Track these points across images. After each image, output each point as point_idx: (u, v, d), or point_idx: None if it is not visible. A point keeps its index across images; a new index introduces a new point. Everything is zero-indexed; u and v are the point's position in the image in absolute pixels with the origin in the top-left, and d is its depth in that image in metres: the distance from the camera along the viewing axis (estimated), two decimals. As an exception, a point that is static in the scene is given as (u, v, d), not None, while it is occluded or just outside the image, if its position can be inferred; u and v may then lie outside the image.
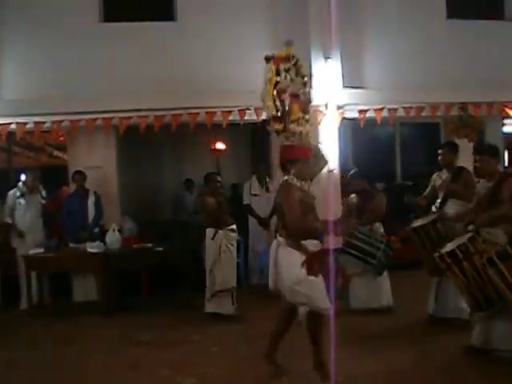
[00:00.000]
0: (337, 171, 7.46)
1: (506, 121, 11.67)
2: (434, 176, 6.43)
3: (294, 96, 5.01)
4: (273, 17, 7.82)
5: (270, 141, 8.91)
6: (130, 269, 7.45)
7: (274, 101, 4.94)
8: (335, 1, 7.27)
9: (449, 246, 4.84)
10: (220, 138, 9.48)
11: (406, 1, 8.36)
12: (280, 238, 4.45)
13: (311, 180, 4.60)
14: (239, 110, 7.23)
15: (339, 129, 7.52)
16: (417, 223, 5.79)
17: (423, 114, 8.10)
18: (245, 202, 8.33)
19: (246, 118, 7.31)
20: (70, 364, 5.32)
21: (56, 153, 11.27)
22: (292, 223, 4.32)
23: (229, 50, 7.71)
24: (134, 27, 7.69)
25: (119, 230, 7.66)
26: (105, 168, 8.60)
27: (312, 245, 4.36)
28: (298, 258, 4.30)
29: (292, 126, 4.75)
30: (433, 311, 6.04)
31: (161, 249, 7.34)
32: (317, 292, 4.28)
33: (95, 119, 7.29)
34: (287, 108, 4.84)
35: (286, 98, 4.95)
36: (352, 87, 7.66)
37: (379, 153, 11.55)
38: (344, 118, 7.61)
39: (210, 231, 6.71)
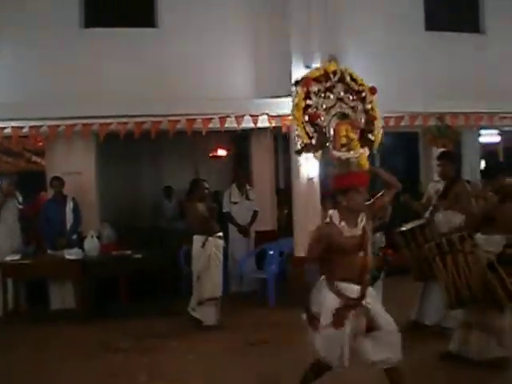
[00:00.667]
0: (316, 180, 7.49)
1: (482, 131, 11.89)
2: (431, 185, 6.54)
3: (343, 116, 4.34)
4: (254, 25, 7.86)
5: (251, 148, 8.97)
6: (109, 276, 7.40)
7: (305, 128, 4.23)
8: (315, 9, 7.40)
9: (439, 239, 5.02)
10: (200, 145, 9.47)
11: (386, 12, 8.45)
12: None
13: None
14: (219, 118, 7.24)
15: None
16: (405, 227, 5.88)
17: (402, 123, 8.19)
18: (224, 210, 8.34)
19: (226, 125, 7.32)
20: (46, 371, 5.26)
21: (34, 158, 11.16)
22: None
23: (210, 58, 7.71)
24: (115, 33, 7.67)
25: (98, 237, 7.61)
26: (84, 174, 8.53)
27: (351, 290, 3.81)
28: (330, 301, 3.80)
29: (341, 153, 3.96)
30: (416, 317, 6.08)
31: (140, 256, 7.30)
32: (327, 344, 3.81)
33: (74, 125, 7.23)
34: (331, 132, 4.15)
35: (324, 121, 4.22)
36: (332, 96, 7.71)
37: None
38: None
39: (198, 238, 6.64)
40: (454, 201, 5.83)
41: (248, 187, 8.49)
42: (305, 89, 4.26)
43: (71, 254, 7.15)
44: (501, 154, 11.13)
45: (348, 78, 4.38)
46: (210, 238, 6.63)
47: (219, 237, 6.81)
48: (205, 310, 6.60)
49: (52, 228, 7.65)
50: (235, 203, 8.33)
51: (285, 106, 7.43)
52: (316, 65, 7.44)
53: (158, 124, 7.20)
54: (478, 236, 4.99)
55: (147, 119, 7.18)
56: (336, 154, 3.99)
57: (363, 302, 3.79)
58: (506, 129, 10.31)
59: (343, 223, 3.80)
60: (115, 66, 7.46)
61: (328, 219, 3.86)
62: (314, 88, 4.27)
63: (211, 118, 7.22)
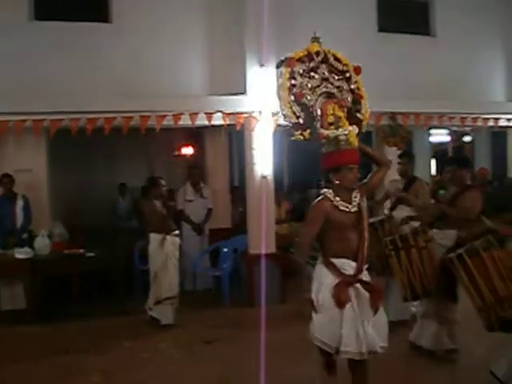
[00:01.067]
0: (271, 177, 7.54)
1: (432, 131, 12.22)
2: (388, 182, 6.65)
3: (329, 95, 4.30)
4: (209, 23, 7.84)
5: (205, 146, 8.95)
6: (60, 275, 7.27)
7: (291, 107, 4.20)
8: (271, 9, 7.42)
9: (394, 235, 5.23)
10: (155, 142, 9.39)
11: (339, 12, 8.55)
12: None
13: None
14: (173, 115, 7.19)
15: (274, 135, 7.61)
16: None
17: (355, 122, 8.31)
18: (178, 208, 8.30)
19: (180, 123, 7.27)
20: (-6, 375, 5.15)
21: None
22: (297, 242, 3.95)
23: (164, 55, 7.64)
24: (68, 27, 7.50)
25: (49, 236, 7.46)
26: (34, 171, 8.34)
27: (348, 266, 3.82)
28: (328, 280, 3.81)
29: (329, 131, 3.96)
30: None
31: (92, 254, 7.19)
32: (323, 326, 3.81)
33: (24, 120, 7.05)
34: (318, 111, 4.14)
35: (310, 100, 4.21)
36: (286, 94, 7.76)
37: (313, 160, 11.79)
38: (278, 125, 7.71)
39: (155, 236, 6.63)
40: (413, 198, 6.07)
41: (202, 185, 8.48)
42: (289, 69, 4.26)
43: (21, 253, 6.98)
44: (450, 153, 11.43)
45: (332, 59, 4.43)
46: (168, 237, 6.63)
47: (176, 235, 6.80)
48: (162, 308, 6.57)
49: (1, 226, 7.48)
50: (190, 201, 8.31)
51: (239, 103, 7.48)
52: (271, 64, 7.52)
53: (111, 121, 7.08)
54: (434, 231, 5.19)
55: (100, 116, 7.06)
56: (324, 132, 4.00)
57: (360, 278, 3.79)
58: (455, 129, 10.62)
59: (338, 198, 3.84)
60: (67, 61, 7.30)
61: (321, 197, 3.87)
62: (298, 68, 4.28)
63: (165, 115, 7.16)
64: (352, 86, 4.44)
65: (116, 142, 9.84)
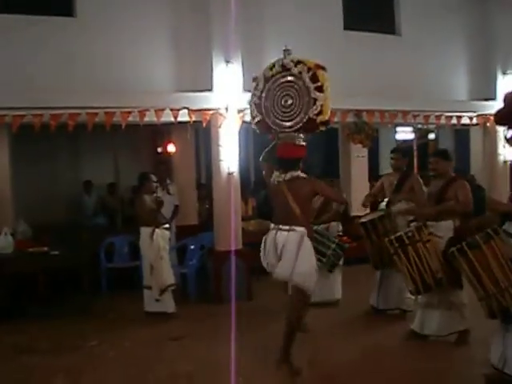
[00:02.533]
0: (237, 174, 7.55)
1: (398, 128, 12.39)
2: (384, 177, 6.96)
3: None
4: (174, 19, 7.78)
5: (171, 143, 8.91)
6: (25, 274, 7.13)
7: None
8: (237, 6, 7.42)
9: (398, 233, 5.48)
10: (120, 139, 9.28)
11: (306, 8, 8.58)
12: (299, 228, 4.79)
13: None
14: (139, 111, 7.14)
15: (239, 132, 7.62)
16: (366, 218, 6.29)
17: (321, 119, 8.36)
18: (145, 204, 8.23)
19: (146, 119, 7.22)
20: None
21: None
22: (338, 199, 5.70)
23: (129, 50, 7.53)
24: (31, 20, 7.34)
25: (12, 234, 7.31)
26: (-4, 168, 8.20)
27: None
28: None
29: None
30: (375, 303, 6.58)
31: (57, 252, 7.08)
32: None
33: (-15, 116, 6.91)
34: None
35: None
36: (253, 91, 7.78)
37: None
38: (244, 122, 7.72)
39: (146, 230, 6.79)
40: (408, 193, 6.36)
41: (169, 182, 8.43)
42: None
43: (-17, 252, 6.85)
44: (415, 150, 11.62)
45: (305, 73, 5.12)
46: (157, 230, 6.77)
47: (166, 228, 6.98)
48: (167, 297, 6.74)
49: (-38, 224, 7.31)
50: (156, 198, 8.25)
51: (206, 100, 7.46)
52: (237, 61, 7.52)
53: (76, 116, 6.98)
54: (429, 223, 5.44)
55: (64, 111, 6.95)
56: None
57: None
58: (420, 126, 10.79)
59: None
60: (30, 55, 7.15)
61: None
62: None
63: (130, 112, 7.10)
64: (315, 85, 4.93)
65: (81, 139, 9.73)
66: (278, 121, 5.06)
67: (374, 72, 8.74)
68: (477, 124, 10.00)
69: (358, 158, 10.12)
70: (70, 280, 7.21)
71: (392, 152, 6.86)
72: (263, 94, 5.18)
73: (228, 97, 7.40)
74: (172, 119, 7.32)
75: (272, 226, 4.99)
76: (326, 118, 4.98)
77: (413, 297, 5.97)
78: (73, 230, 8.68)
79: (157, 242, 6.74)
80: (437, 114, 9.26)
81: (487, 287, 4.37)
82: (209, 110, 7.41)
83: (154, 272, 6.71)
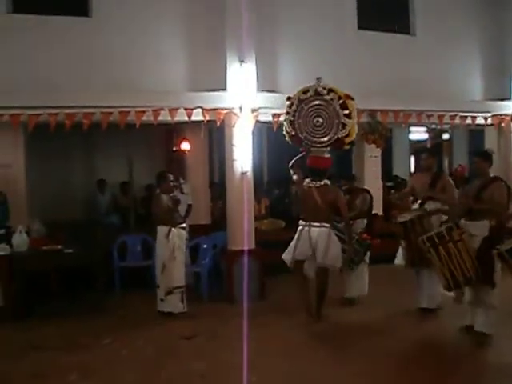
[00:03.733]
0: (250, 174, 7.55)
1: (412, 128, 12.33)
2: (415, 177, 7.28)
3: None
4: (189, 19, 7.80)
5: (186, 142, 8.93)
6: (39, 272, 7.17)
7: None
8: (251, 6, 7.42)
9: (429, 233, 5.70)
10: (134, 138, 9.31)
11: (319, 9, 8.56)
12: (327, 224, 6.26)
13: None
14: (153, 111, 7.16)
15: (253, 132, 7.62)
16: (404, 218, 6.45)
17: (335, 119, 8.35)
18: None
19: (160, 118, 7.25)
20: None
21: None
22: (345, 216, 6.43)
23: (144, 50, 7.58)
24: (46, 20, 7.40)
25: (27, 232, 7.36)
26: (13, 167, 8.25)
27: None
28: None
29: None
30: (420, 303, 6.69)
31: (71, 251, 7.12)
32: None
33: (2, 115, 6.96)
34: None
35: None
36: (266, 91, 7.79)
37: (294, 156, 11.83)
38: (258, 122, 7.73)
39: (162, 229, 6.81)
40: (441, 193, 6.50)
41: (182, 181, 8.44)
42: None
43: (-2, 250, 6.90)
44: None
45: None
46: (173, 229, 6.80)
47: (182, 228, 7.01)
48: (173, 298, 6.74)
49: (-22, 223, 7.38)
50: (169, 197, 8.27)
51: (220, 99, 7.47)
52: (251, 60, 7.52)
53: (91, 116, 7.03)
54: (463, 222, 5.64)
55: (79, 111, 7.00)
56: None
57: None
58: (434, 126, 10.73)
59: None
60: (46, 55, 7.22)
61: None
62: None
63: (144, 111, 7.13)
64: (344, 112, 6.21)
65: (95, 138, 9.77)
66: (309, 136, 6.36)
67: (388, 72, 8.70)
68: (491, 124, 9.92)
69: (371, 158, 10.07)
70: (83, 278, 7.24)
71: (422, 152, 7.14)
72: (297, 113, 6.42)
73: (242, 96, 7.41)
74: (186, 118, 7.35)
75: (303, 223, 6.35)
76: (352, 139, 6.31)
77: (448, 293, 6.09)
78: (86, 229, 8.72)
79: (172, 242, 6.76)
80: (451, 114, 9.20)
81: None
82: (223, 109, 7.42)
83: (165, 272, 6.73)
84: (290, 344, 5.70)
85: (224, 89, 7.49)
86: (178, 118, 7.34)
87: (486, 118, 9.64)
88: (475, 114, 9.46)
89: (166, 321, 6.60)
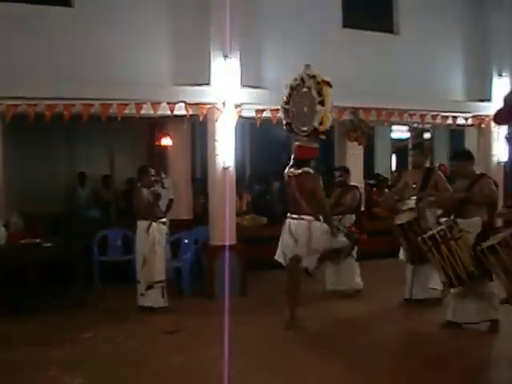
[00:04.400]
0: (232, 169, 7.53)
1: (394, 127, 12.41)
2: (406, 174, 7.33)
3: None
4: (174, 13, 7.73)
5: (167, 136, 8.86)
6: (17, 265, 7.07)
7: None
8: (236, 1, 7.38)
9: (430, 232, 5.80)
10: (116, 131, 9.23)
11: (305, 5, 8.57)
12: (307, 217, 5.85)
13: None
14: (135, 104, 7.10)
15: (236, 127, 7.60)
16: (401, 220, 6.57)
17: (317, 116, 8.36)
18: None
19: (142, 112, 7.18)
20: None
21: None
22: (323, 205, 5.96)
23: (128, 43, 7.49)
24: (27, 10, 7.27)
25: (5, 225, 7.25)
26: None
27: None
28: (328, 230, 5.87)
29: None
30: (408, 295, 6.90)
31: (49, 244, 7.03)
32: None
33: (-21, 106, 6.83)
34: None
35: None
36: (250, 87, 7.77)
37: (276, 152, 11.87)
38: (241, 117, 7.71)
39: (142, 223, 6.78)
40: (433, 189, 6.67)
41: (163, 175, 8.39)
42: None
43: (-25, 243, 6.79)
44: (410, 149, 11.65)
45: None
46: (154, 224, 6.76)
47: (163, 222, 6.98)
48: (154, 293, 6.71)
49: (-46, 215, 7.25)
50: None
51: (203, 94, 7.43)
52: (235, 55, 7.49)
53: (71, 107, 6.94)
54: (459, 220, 5.75)
55: (59, 102, 6.90)
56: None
57: None
58: (415, 125, 10.82)
59: None
60: (26, 46, 7.09)
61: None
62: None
63: (127, 104, 7.06)
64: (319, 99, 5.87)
65: (76, 130, 9.66)
66: (298, 125, 6.10)
67: (371, 70, 8.73)
68: (472, 125, 10.04)
69: (353, 155, 10.11)
70: (62, 272, 7.15)
71: (412, 149, 7.30)
72: (290, 101, 6.21)
73: (225, 91, 7.37)
74: (169, 112, 7.30)
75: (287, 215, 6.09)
76: (326, 127, 5.95)
77: (438, 287, 6.38)
78: (66, 222, 8.64)
79: (152, 236, 6.73)
80: (433, 113, 9.29)
81: None
82: (206, 104, 7.38)
83: (146, 266, 6.69)
84: (272, 339, 5.70)
85: (208, 83, 7.45)
86: (160, 112, 7.29)
87: (466, 119, 9.76)
88: (456, 114, 9.59)
89: (147, 315, 6.57)
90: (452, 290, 5.92)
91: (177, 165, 9.09)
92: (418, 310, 6.66)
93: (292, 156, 6.15)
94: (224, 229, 7.36)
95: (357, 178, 9.97)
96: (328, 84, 5.96)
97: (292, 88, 6.21)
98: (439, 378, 4.77)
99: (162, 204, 8.19)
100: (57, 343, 5.59)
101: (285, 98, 6.27)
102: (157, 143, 9.67)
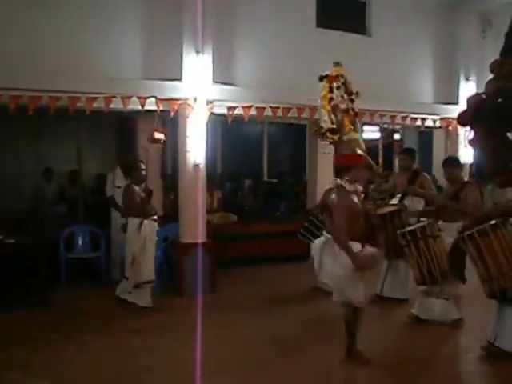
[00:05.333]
0: (203, 166, 7.46)
1: (365, 127, 12.49)
2: (395, 176, 7.70)
3: (345, 111, 6.05)
4: (146, 6, 7.61)
5: (137, 131, 8.72)
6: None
7: (330, 115, 5.82)
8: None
9: (411, 227, 5.97)
10: (84, 125, 9.02)
11: (279, 5, 8.55)
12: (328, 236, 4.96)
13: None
14: (105, 98, 6.96)
15: (207, 124, 7.53)
16: (383, 210, 6.69)
17: (289, 114, 8.35)
18: (108, 195, 8.06)
19: (112, 106, 7.05)
20: None
21: None
22: (336, 231, 4.80)
23: (98, 35, 7.31)
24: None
25: (-34, 220, 7.05)
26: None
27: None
28: (344, 259, 4.72)
29: (346, 137, 5.79)
30: (379, 291, 7.05)
31: (13, 241, 6.84)
32: (354, 288, 4.80)
33: None
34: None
35: (339, 112, 5.92)
36: (222, 83, 7.71)
37: (247, 150, 11.84)
38: (213, 114, 7.64)
39: (133, 221, 6.65)
40: (419, 189, 6.90)
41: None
42: (329, 84, 5.94)
43: None
44: (380, 149, 11.77)
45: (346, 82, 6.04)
46: (146, 221, 6.66)
47: (154, 220, 6.86)
48: (141, 292, 6.63)
49: None
50: (119, 187, 8.05)
51: (174, 89, 7.34)
52: (207, 51, 7.42)
53: (37, 100, 6.75)
54: (441, 223, 6.03)
55: (24, 93, 6.70)
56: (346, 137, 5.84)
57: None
58: (386, 126, 10.92)
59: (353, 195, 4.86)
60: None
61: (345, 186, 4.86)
62: (335, 84, 5.96)
63: (96, 98, 6.91)
64: (353, 106, 6.01)
65: (43, 124, 9.41)
66: None
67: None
68: (440, 127, 10.22)
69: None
70: (27, 270, 6.96)
71: (401, 153, 7.56)
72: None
73: (197, 87, 7.30)
74: (139, 107, 7.18)
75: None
76: (321, 128, 5.92)
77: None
78: (31, 218, 8.43)
79: (143, 234, 6.62)
80: (403, 114, 9.41)
81: (491, 270, 4.90)
82: (177, 99, 7.29)
83: (135, 265, 6.59)
84: (240, 337, 5.67)
85: (179, 79, 7.36)
86: (130, 107, 7.16)
87: (434, 121, 9.92)
88: (425, 116, 9.75)
89: (114, 314, 6.45)
90: (421, 288, 6.06)
91: (147, 161, 8.94)
92: (387, 305, 6.82)
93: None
94: (194, 226, 7.30)
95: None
96: (325, 77, 6.31)
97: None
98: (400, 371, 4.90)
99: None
100: (19, 343, 5.42)
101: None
102: (126, 139, 9.52)
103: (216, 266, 7.48)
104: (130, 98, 7.06)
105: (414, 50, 9.92)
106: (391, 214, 6.61)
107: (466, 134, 10.10)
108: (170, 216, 8.53)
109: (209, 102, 7.45)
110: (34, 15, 7.05)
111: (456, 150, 10.44)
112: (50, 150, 10.48)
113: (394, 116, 9.35)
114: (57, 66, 6.86)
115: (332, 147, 9.62)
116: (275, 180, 11.66)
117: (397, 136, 12.88)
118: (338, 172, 5.10)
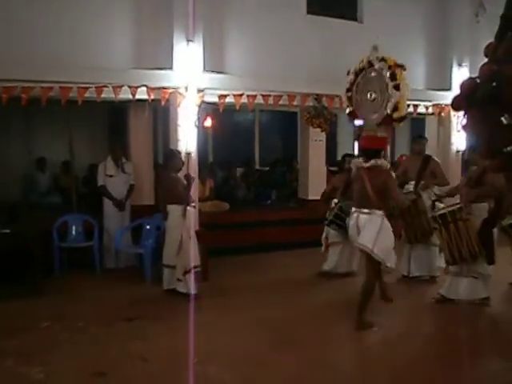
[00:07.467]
0: (195, 154, 7.48)
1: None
2: (407, 160, 7.93)
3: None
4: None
5: (128, 121, 8.73)
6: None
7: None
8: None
9: (441, 210, 6.31)
10: (76, 115, 9.01)
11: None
12: (378, 211, 5.38)
13: None
14: (96, 87, 6.96)
15: (199, 112, 7.54)
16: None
17: (281, 102, 8.38)
18: (99, 184, 8.08)
19: (103, 95, 7.05)
20: None
21: None
22: (399, 200, 5.74)
23: (89, 25, 7.33)
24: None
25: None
26: None
27: None
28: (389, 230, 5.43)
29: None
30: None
31: (7, 231, 6.86)
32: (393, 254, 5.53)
33: None
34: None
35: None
36: (213, 71, 7.72)
37: (239, 138, 11.84)
38: (204, 102, 7.65)
39: (177, 208, 6.59)
40: (431, 175, 7.31)
41: (124, 160, 8.26)
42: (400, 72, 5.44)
43: None
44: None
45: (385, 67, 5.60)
46: (189, 208, 6.63)
47: (194, 206, 6.92)
48: (189, 278, 6.56)
49: None
50: (111, 176, 8.08)
51: (165, 78, 7.35)
52: (198, 40, 7.41)
53: (29, 90, 6.76)
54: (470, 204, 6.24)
55: (17, 84, 6.70)
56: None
57: None
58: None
59: None
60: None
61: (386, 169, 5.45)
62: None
63: (87, 87, 6.91)
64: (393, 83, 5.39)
65: (35, 114, 9.41)
66: (367, 113, 5.64)
67: (334, 57, 8.75)
68: (432, 113, 10.22)
69: (315, 141, 10.16)
70: (21, 259, 6.98)
71: (418, 138, 7.81)
72: (354, 88, 5.85)
73: (188, 76, 7.32)
74: (130, 97, 7.19)
75: (353, 209, 5.62)
76: (402, 114, 5.41)
77: (442, 265, 6.76)
78: (25, 209, 8.43)
79: (189, 221, 6.59)
80: (394, 101, 9.39)
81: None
82: (168, 88, 7.31)
83: (181, 252, 6.54)
84: (234, 325, 5.71)
85: (170, 68, 7.37)
86: (122, 96, 7.18)
87: (427, 107, 9.91)
88: (417, 103, 9.73)
89: (107, 303, 6.49)
90: (451, 268, 6.34)
91: (138, 150, 8.97)
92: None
93: (359, 146, 5.94)
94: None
95: (319, 164, 10.06)
96: (401, 67, 5.51)
97: (357, 73, 5.83)
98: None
99: (123, 189, 8.12)
100: (14, 332, 5.45)
101: (348, 84, 5.91)
102: (118, 128, 9.51)
103: (208, 254, 7.52)
104: (121, 87, 7.08)
105: (407, 35, 9.91)
106: (408, 206, 6.62)
107: (458, 120, 10.18)
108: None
109: (200, 91, 7.46)
110: (25, 7, 7.03)
111: (449, 136, 10.49)
112: (42, 140, 10.47)
113: (386, 102, 9.37)
114: (48, 57, 6.88)
115: (323, 135, 9.74)
116: (267, 168, 11.69)
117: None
118: (377, 152, 5.45)
